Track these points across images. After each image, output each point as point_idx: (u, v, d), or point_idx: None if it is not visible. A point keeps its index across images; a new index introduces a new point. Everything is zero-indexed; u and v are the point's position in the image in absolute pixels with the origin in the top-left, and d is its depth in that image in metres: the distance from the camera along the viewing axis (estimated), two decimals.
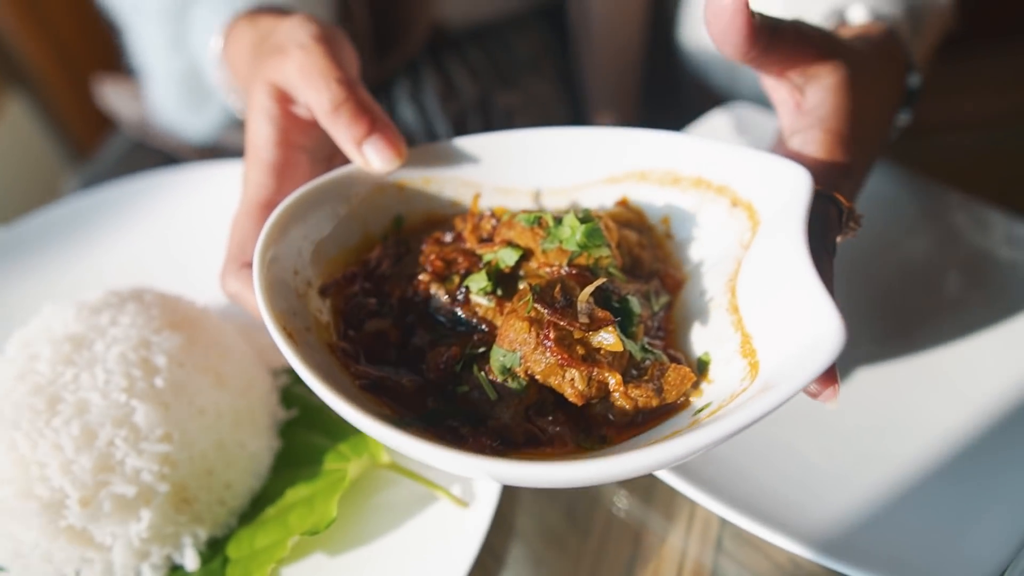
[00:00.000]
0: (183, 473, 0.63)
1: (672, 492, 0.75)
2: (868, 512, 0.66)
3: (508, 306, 0.56)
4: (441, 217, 0.68)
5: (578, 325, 0.52)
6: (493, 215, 0.63)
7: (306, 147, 0.68)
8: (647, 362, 0.54)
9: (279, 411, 0.73)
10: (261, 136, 0.65)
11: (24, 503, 0.59)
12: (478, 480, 0.66)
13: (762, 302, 0.54)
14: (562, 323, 0.52)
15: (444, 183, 0.67)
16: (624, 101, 1.21)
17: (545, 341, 0.51)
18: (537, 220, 0.59)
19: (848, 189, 0.60)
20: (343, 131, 0.61)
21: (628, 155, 0.66)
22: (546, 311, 0.52)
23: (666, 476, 0.67)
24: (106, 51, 2.00)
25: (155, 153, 1.17)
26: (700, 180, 0.64)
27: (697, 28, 1.11)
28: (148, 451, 0.61)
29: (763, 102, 1.04)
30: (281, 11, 0.84)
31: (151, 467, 0.61)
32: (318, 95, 0.61)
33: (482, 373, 0.53)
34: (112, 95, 1.24)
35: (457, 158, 0.67)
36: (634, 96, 1.23)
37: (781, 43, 0.59)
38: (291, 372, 0.76)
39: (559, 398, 0.53)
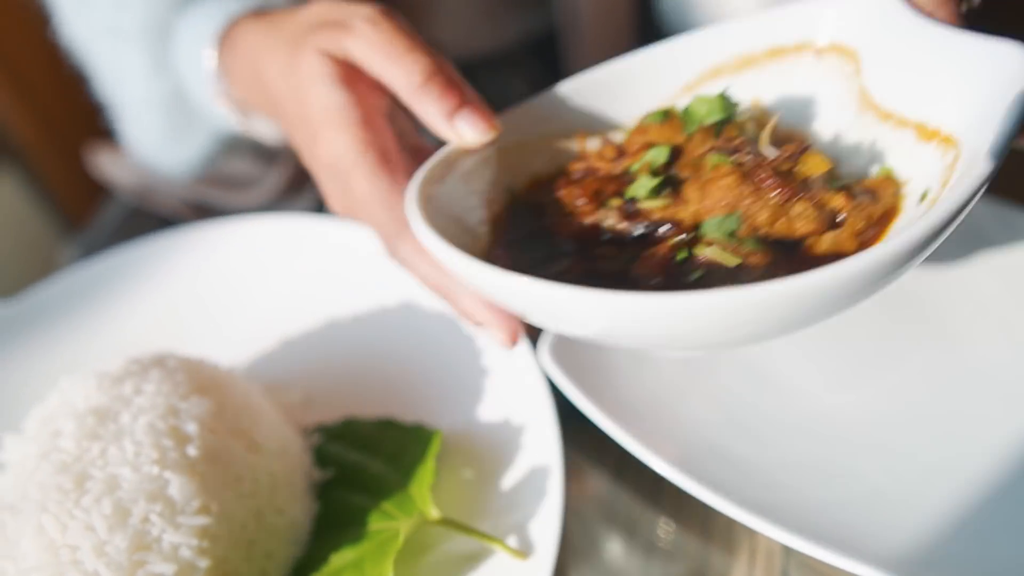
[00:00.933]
0: (223, 546, 0.59)
1: (730, 525, 0.72)
2: (943, 528, 0.64)
3: (695, 183, 0.53)
4: (547, 176, 0.63)
5: (782, 159, 0.49)
6: (610, 144, 0.61)
7: (381, 110, 0.63)
8: (842, 179, 0.53)
9: (314, 472, 0.70)
10: (335, 97, 0.60)
11: None
12: (536, 525, 0.62)
13: (916, 89, 0.53)
14: (769, 162, 0.49)
15: (540, 144, 0.64)
16: None
17: (765, 183, 0.48)
18: (665, 114, 0.57)
19: None
20: (433, 105, 0.57)
21: (698, 57, 0.64)
22: (748, 158, 0.49)
23: (724, 506, 0.64)
24: (92, 122, 1.99)
25: (152, 218, 1.14)
26: (773, 50, 0.62)
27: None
28: (186, 525, 0.58)
29: None
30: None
31: (190, 542, 0.57)
32: (402, 68, 0.58)
33: (707, 248, 0.48)
34: (106, 162, 1.22)
35: (541, 115, 0.64)
36: None
37: None
38: (323, 431, 0.73)
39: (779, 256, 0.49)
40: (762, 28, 0.62)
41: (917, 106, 0.53)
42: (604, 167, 0.58)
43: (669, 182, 0.55)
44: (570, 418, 0.68)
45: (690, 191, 0.53)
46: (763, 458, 0.67)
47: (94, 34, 0.92)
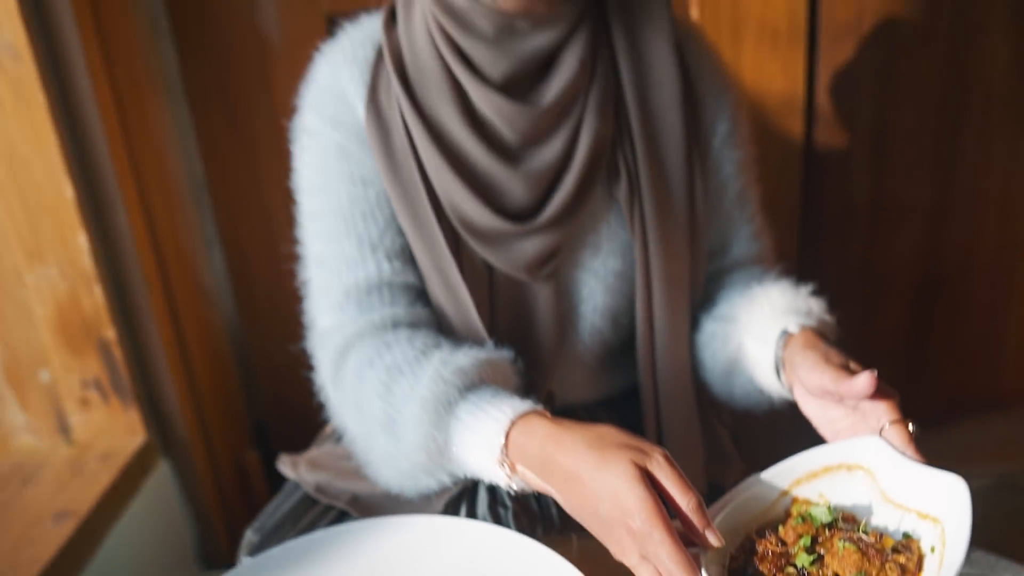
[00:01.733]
0: None
1: None
2: None
3: (829, 555, 0.94)
4: (737, 555, 1.03)
5: (876, 541, 0.94)
6: (774, 536, 1.01)
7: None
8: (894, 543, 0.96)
9: None
10: (646, 495, 0.94)
11: None
12: None
13: (911, 492, 0.98)
14: (872, 545, 0.92)
15: (730, 538, 1.04)
16: (694, 461, 1.50)
17: (873, 556, 0.90)
18: (801, 518, 1.01)
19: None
20: (697, 522, 0.95)
21: (786, 475, 1.08)
22: (861, 544, 0.92)
23: None
24: (243, 425, 2.37)
25: (327, 509, 1.45)
26: (825, 468, 1.06)
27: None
28: None
29: (756, 393, 1.41)
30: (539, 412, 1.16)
31: None
32: (686, 497, 0.96)
33: None
34: (287, 467, 1.58)
35: (725, 520, 1.05)
36: (703, 456, 1.51)
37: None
38: None
39: None
40: (818, 457, 1.08)
41: (913, 501, 0.96)
42: (775, 549, 1.00)
43: (818, 556, 0.98)
44: None
45: (828, 559, 0.94)
46: None
47: (373, 390, 1.24)
